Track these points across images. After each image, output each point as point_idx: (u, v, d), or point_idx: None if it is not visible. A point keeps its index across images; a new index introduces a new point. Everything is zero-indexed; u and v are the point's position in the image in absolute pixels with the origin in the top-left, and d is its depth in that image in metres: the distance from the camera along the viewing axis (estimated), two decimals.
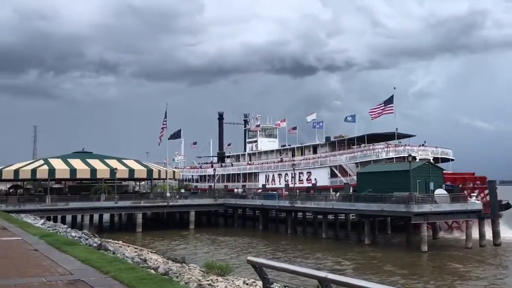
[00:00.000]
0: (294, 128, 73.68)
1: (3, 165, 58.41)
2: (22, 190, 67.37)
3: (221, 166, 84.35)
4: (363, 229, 39.15)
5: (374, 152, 51.70)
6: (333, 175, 56.25)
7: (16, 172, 55.96)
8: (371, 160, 50.32)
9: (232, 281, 18.50)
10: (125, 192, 63.55)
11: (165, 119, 62.26)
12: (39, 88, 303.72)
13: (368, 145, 55.45)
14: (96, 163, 58.00)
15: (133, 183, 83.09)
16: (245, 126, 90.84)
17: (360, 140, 57.50)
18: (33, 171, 55.57)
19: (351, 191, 45.87)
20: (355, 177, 48.26)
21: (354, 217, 43.94)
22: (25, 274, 10.15)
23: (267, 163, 71.99)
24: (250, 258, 4.33)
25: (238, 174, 76.22)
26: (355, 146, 58.18)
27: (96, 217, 53.87)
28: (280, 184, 63.72)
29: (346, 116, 61.42)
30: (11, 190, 70.04)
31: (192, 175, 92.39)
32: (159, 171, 61.79)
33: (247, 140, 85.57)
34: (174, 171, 68.72)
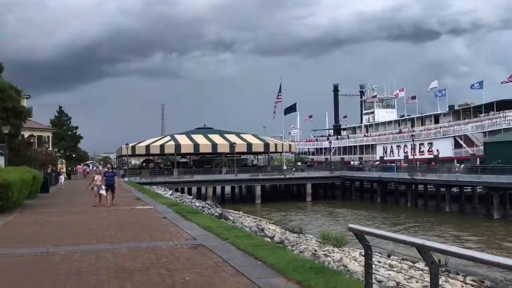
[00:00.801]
0: (414, 98, 70.16)
1: (135, 141, 64.09)
2: (153, 164, 73.53)
3: (337, 138, 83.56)
4: (492, 203, 36.42)
5: (505, 120, 47.34)
6: (457, 145, 52.75)
7: (147, 147, 61.19)
8: (501, 129, 46.19)
9: (348, 252, 18.59)
10: (244, 165, 66.16)
11: (279, 93, 63.15)
12: (164, 69, 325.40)
13: (497, 112, 50.87)
14: (216, 138, 61.03)
15: (252, 157, 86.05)
16: (361, 98, 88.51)
17: (489, 107, 52.94)
18: (162, 146, 60.30)
19: (477, 162, 42.75)
20: (482, 148, 44.83)
21: (481, 190, 40.98)
22: (155, 238, 11.30)
23: (385, 134, 69.75)
24: (351, 225, 4.44)
25: (355, 147, 74.98)
26: (483, 114, 53.74)
27: (218, 189, 56.96)
28: (398, 156, 61.47)
29: (472, 83, 56.93)
30: (143, 164, 76.87)
31: (308, 148, 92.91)
32: (276, 144, 63.18)
33: (364, 112, 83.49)
34: (290, 145, 69.76)
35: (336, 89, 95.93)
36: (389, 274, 12.44)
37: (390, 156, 63.76)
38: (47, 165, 47.70)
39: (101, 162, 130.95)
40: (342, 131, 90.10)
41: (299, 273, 7.28)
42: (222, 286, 6.80)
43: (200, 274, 7.51)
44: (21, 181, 19.32)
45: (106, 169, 23.29)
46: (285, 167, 60.20)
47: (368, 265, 4.45)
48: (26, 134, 41.90)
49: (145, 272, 7.72)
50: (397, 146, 63.76)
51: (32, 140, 34.89)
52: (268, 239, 14.02)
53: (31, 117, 38.84)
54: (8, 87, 33.17)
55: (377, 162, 61.25)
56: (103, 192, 20.31)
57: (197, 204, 28.79)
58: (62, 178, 40.13)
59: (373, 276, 4.91)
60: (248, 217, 30.59)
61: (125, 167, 63.83)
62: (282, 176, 56.17)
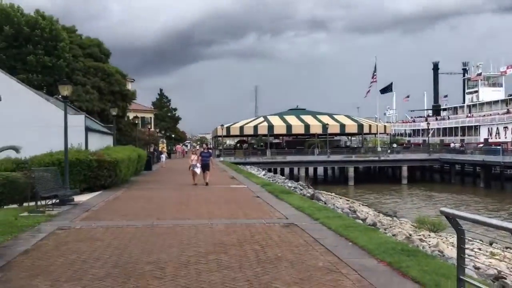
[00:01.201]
0: None
1: (230, 122, 66.00)
2: (246, 144, 75.35)
3: (436, 119, 79.49)
4: None
5: None
6: None
7: (241, 128, 62.79)
8: None
9: (446, 238, 17.88)
10: (337, 146, 65.46)
11: (374, 73, 61.27)
12: (258, 50, 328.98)
13: None
14: (309, 119, 60.92)
15: (345, 138, 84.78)
16: (463, 76, 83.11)
17: None
18: (255, 127, 61.51)
19: None
20: None
21: None
22: (249, 216, 11.78)
23: (490, 115, 65.04)
24: (443, 209, 4.37)
25: (456, 128, 70.85)
26: None
27: (310, 170, 57.04)
28: (505, 138, 57.13)
29: None
30: (237, 145, 79.00)
31: (404, 130, 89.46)
32: (370, 125, 61.65)
33: (467, 91, 78.40)
34: (385, 126, 67.68)
35: (436, 68, 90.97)
36: (490, 262, 11.86)
37: (496, 138, 59.48)
38: (150, 144, 50.85)
39: (198, 142, 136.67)
40: (441, 111, 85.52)
41: (390, 255, 7.27)
42: (313, 264, 7.00)
43: (292, 252, 7.77)
44: (128, 159, 20.94)
45: (202, 149, 23.87)
46: (379, 149, 58.61)
47: (460, 250, 4.38)
48: (131, 115, 45.00)
49: (240, 247, 8.16)
50: (504, 127, 59.25)
51: (136, 121, 37.42)
52: (360, 221, 13.96)
53: (135, 99, 41.60)
54: (115, 71, 35.84)
55: (481, 145, 57.48)
56: (197, 170, 21.03)
57: (289, 184, 29.20)
58: (163, 157, 42.62)
59: (468, 262, 4.82)
60: (341, 198, 30.42)
61: (220, 147, 66.12)
62: (377, 158, 54.84)
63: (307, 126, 59.57)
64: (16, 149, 10.29)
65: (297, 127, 60.39)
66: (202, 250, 7.89)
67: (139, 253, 7.69)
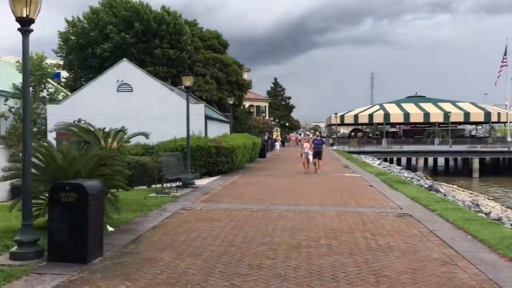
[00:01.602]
0: None
1: (344, 110, 65.09)
2: (361, 133, 73.78)
3: None
4: None
5: None
6: None
7: (356, 117, 61.64)
8: None
9: None
10: (460, 136, 61.36)
11: (505, 56, 56.12)
12: (374, 36, 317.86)
13: None
14: (429, 107, 57.86)
15: (469, 127, 79.03)
16: None
17: None
18: (370, 115, 59.99)
19: None
20: None
21: None
22: (361, 205, 11.69)
23: None
24: None
25: None
26: None
27: (430, 160, 54.26)
28: None
29: None
30: (352, 133, 77.67)
31: None
32: (499, 113, 56.80)
33: None
34: None
35: None
36: None
37: None
38: (264, 132, 52.15)
39: (312, 131, 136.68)
40: None
41: None
42: (427, 255, 6.81)
43: (405, 241, 7.62)
44: (244, 147, 21.81)
45: (315, 137, 23.52)
46: (510, 139, 53.73)
47: None
48: (246, 104, 46.51)
49: (351, 233, 8.19)
50: None
51: (251, 110, 38.61)
52: (483, 215, 13.07)
53: (251, 88, 42.89)
54: (232, 62, 37.26)
55: None
56: (310, 157, 21.00)
57: (406, 174, 28.15)
58: (277, 144, 43.51)
59: None
60: (463, 191, 28.62)
61: (334, 136, 65.57)
62: (506, 149, 50.40)
63: (426, 114, 56.66)
64: (145, 135, 11.32)
65: (416, 115, 57.69)
66: (313, 235, 8.06)
67: (253, 235, 8.09)
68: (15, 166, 7.76)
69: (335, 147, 53.14)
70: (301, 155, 21.67)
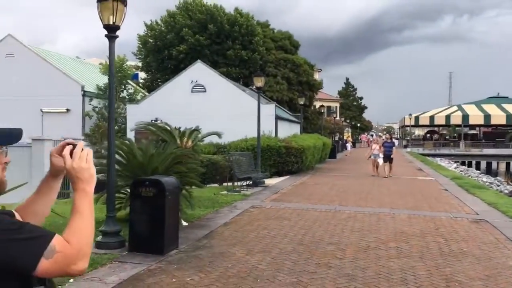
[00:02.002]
0: None
1: (419, 111, 62.83)
2: (437, 135, 70.84)
3: None
4: None
5: None
6: None
7: (431, 118, 59.25)
8: None
9: None
10: None
11: None
12: (453, 34, 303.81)
13: None
14: None
15: None
16: None
17: None
18: (447, 117, 57.41)
19: None
20: None
21: None
22: (434, 209, 11.36)
23: None
24: None
25: None
26: None
27: None
28: None
29: None
30: (427, 135, 74.79)
31: None
32: None
33: None
34: None
35: None
36: None
37: None
38: (335, 133, 51.62)
39: (384, 132, 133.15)
40: None
41: None
42: (502, 262, 6.57)
43: (479, 248, 7.38)
44: (313, 147, 21.82)
45: (385, 139, 21.88)
46: None
47: None
48: (317, 104, 46.34)
49: (422, 238, 8.04)
50: None
51: (322, 110, 38.44)
52: None
53: (322, 89, 42.69)
54: (303, 62, 37.30)
55: None
56: (380, 160, 20.01)
57: (484, 179, 26.80)
58: (348, 146, 42.98)
59: None
60: None
61: (408, 138, 63.53)
62: None
63: (509, 116, 53.33)
64: (218, 135, 11.75)
65: (497, 117, 54.46)
66: (382, 237, 8.01)
67: (322, 234, 8.18)
68: (99, 162, 8.38)
69: (408, 149, 51.51)
70: (369, 157, 20.78)
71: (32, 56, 28.49)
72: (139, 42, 36.39)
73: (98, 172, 6.94)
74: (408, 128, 63.94)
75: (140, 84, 37.01)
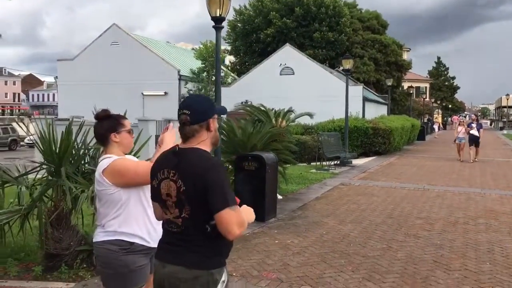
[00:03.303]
0: None
1: None
2: None
3: None
4: None
5: None
6: None
7: None
8: None
9: None
10: None
11: None
12: None
13: None
14: None
15: None
16: None
17: None
18: None
19: None
20: None
21: None
22: None
23: None
24: None
25: None
26: None
27: None
28: None
29: None
30: None
31: None
32: None
33: None
34: None
35: None
36: None
37: None
38: (424, 114, 50.04)
39: (479, 114, 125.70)
40: None
41: None
42: None
43: None
44: (401, 128, 21.71)
45: (471, 120, 20.13)
46: None
47: None
48: (405, 85, 45.17)
49: None
50: None
51: (411, 91, 37.52)
52: None
53: (410, 69, 41.50)
54: (391, 42, 36.54)
55: None
56: (466, 143, 18.45)
57: None
58: (436, 127, 41.60)
59: None
60: None
61: (505, 119, 59.83)
62: None
63: None
64: (310, 115, 12.35)
65: None
66: (471, 214, 8.27)
67: (410, 210, 8.60)
68: None
69: (505, 131, 48.67)
70: (455, 141, 19.22)
71: (134, 43, 30.84)
72: (229, 27, 37.72)
73: None
74: (505, 109, 60.14)
75: (229, 67, 38.45)
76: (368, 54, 36.07)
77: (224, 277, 2.27)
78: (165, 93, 29.34)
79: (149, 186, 2.95)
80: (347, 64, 16.56)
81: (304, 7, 34.91)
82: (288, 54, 24.27)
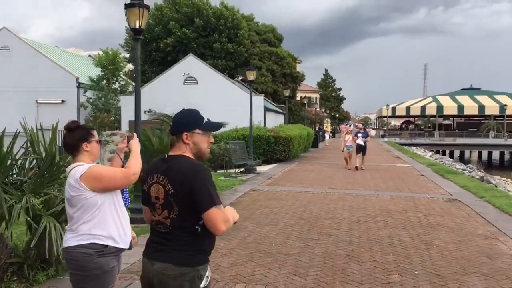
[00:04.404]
0: None
1: (395, 101, 64.83)
2: (412, 125, 73.12)
3: None
4: None
5: None
6: None
7: (408, 109, 61.34)
8: None
9: None
10: None
11: None
12: (428, 25, 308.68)
13: None
14: (484, 100, 56.83)
15: None
16: None
17: None
18: (423, 108, 59.56)
19: None
20: None
21: None
22: (413, 191, 12.71)
23: None
24: None
25: None
26: None
27: (484, 154, 53.49)
28: None
29: None
30: (403, 126, 77.11)
31: None
32: None
33: None
34: None
35: None
36: None
37: None
38: (315, 123, 53.06)
39: (362, 123, 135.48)
40: None
41: None
42: (472, 231, 7.88)
43: (452, 221, 8.70)
44: (299, 137, 23.05)
45: (358, 130, 19.69)
46: None
47: None
48: (299, 95, 47.65)
49: (404, 213, 9.33)
50: None
51: (305, 101, 39.72)
52: None
53: (304, 80, 43.93)
54: (287, 55, 38.41)
55: None
56: (354, 151, 18.62)
57: (457, 166, 28.52)
58: (326, 135, 44.45)
59: None
60: None
61: (385, 128, 65.51)
62: None
63: (481, 107, 55.72)
64: (224, 125, 12.83)
65: (470, 107, 56.83)
66: (370, 213, 9.28)
67: (318, 212, 9.41)
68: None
69: (386, 139, 53.34)
70: (343, 149, 19.29)
71: (26, 48, 28.93)
72: (127, 35, 36.97)
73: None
74: (385, 118, 65.90)
75: (127, 76, 37.66)
76: (265, 65, 37.59)
77: (208, 273, 2.56)
78: (63, 101, 27.98)
79: (119, 191, 3.24)
80: (251, 75, 17.32)
81: (203, 18, 35.46)
82: (191, 64, 24.57)
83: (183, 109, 2.73)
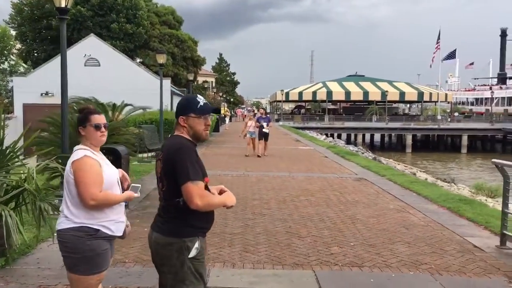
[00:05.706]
0: None
1: (284, 87, 67.47)
2: (304, 110, 76.68)
3: (501, 88, 77.15)
4: None
5: None
6: None
7: (300, 94, 64.16)
8: None
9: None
10: (395, 114, 65.61)
11: (438, 41, 60.38)
12: (314, 13, 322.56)
13: None
14: (368, 86, 61.33)
15: (403, 106, 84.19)
16: None
17: None
18: (314, 93, 62.70)
19: None
20: None
21: None
22: (323, 171, 13.66)
23: None
24: (494, 160, 5.99)
25: None
26: None
27: (367, 136, 57.98)
28: None
29: None
30: (295, 110, 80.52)
31: (467, 98, 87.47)
32: (430, 93, 61.28)
33: None
34: (446, 94, 66.88)
35: (504, 34, 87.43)
36: None
37: None
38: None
39: (254, 107, 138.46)
40: (507, 80, 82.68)
41: (449, 202, 8.97)
42: (385, 206, 8.82)
43: (366, 197, 9.62)
44: None
45: (260, 114, 19.19)
46: (439, 117, 58.40)
47: (505, 190, 6.07)
48: (199, 79, 47.53)
49: (323, 192, 10.09)
50: None
51: (206, 85, 39.82)
52: (422, 179, 15.47)
53: (205, 64, 43.94)
54: (187, 38, 38.07)
55: None
56: (256, 137, 17.87)
57: (351, 148, 30.73)
58: (226, 120, 45.01)
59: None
60: (399, 164, 31.62)
61: (279, 112, 67.94)
62: (436, 126, 54.82)
63: (365, 93, 60.08)
64: (144, 109, 12.61)
65: (356, 93, 61.01)
66: (293, 193, 9.89)
67: (244, 193, 9.80)
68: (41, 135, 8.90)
69: (280, 123, 55.37)
70: (245, 135, 18.55)
71: None
72: (13, 10, 33.88)
73: (41, 143, 7.84)
74: (280, 103, 68.26)
75: (14, 55, 34.66)
76: (166, 48, 36.75)
77: (197, 245, 2.77)
78: None
79: (114, 179, 3.35)
80: (161, 59, 17.12)
81: None
82: (93, 45, 23.41)
83: (185, 95, 2.98)
